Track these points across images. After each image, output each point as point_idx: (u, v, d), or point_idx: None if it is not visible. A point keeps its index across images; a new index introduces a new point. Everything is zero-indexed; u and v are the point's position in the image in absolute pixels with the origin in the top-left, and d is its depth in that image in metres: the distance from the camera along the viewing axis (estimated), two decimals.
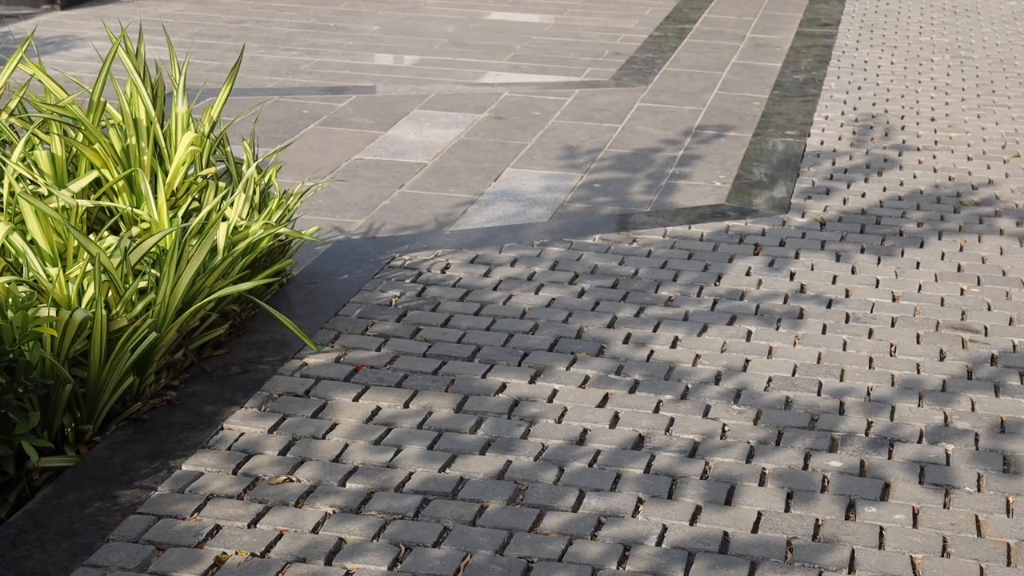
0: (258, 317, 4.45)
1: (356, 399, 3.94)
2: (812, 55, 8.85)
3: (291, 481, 3.48)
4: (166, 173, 4.60)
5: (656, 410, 3.93)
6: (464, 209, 5.72)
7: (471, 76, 8.18)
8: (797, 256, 5.21)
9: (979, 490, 3.54)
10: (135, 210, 4.38)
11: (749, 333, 4.48)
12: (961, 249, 5.34)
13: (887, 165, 6.45)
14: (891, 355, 4.35)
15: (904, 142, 6.85)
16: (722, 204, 5.84)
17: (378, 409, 3.88)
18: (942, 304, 4.78)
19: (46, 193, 4.35)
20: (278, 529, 3.26)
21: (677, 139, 6.85)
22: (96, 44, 8.62)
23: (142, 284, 3.97)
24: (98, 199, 4.46)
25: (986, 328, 4.58)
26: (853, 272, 5.06)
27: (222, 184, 4.65)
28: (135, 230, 4.33)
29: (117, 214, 4.48)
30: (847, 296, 4.83)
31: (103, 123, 4.67)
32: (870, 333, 4.51)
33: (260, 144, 6.44)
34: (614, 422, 3.85)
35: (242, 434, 3.71)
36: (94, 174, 4.43)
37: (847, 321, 4.60)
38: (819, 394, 4.06)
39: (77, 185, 4.35)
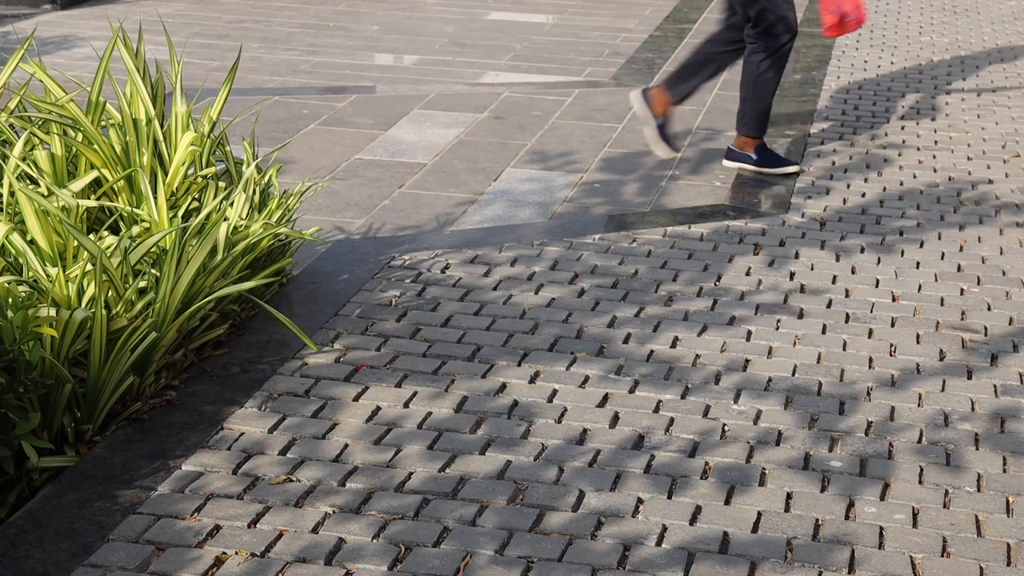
0: (258, 317, 4.45)
1: (356, 399, 3.94)
2: (812, 55, 8.84)
3: (291, 481, 3.48)
4: (166, 173, 4.60)
5: (656, 410, 3.93)
6: (464, 209, 5.72)
7: (471, 76, 8.18)
8: (797, 256, 5.21)
9: (979, 490, 3.54)
10: (135, 210, 4.38)
11: (749, 333, 4.48)
12: (961, 249, 5.34)
13: (887, 164, 6.45)
14: (891, 355, 4.35)
15: (904, 141, 6.85)
16: (722, 204, 5.84)
17: (378, 409, 3.88)
18: (942, 304, 4.78)
19: (46, 193, 4.35)
20: (278, 529, 3.26)
21: (677, 139, 6.84)
22: (96, 44, 8.62)
23: (142, 284, 3.97)
24: (98, 199, 4.46)
25: (986, 328, 4.58)
26: (853, 272, 5.06)
27: (222, 184, 4.65)
28: (135, 230, 4.33)
29: (117, 214, 4.48)
30: (847, 296, 4.83)
31: (103, 123, 4.67)
32: (870, 333, 4.51)
33: (260, 144, 6.44)
34: (614, 422, 3.85)
35: (242, 434, 3.71)
36: (94, 174, 4.43)
37: (847, 321, 4.60)
38: (819, 394, 4.06)
39: (77, 185, 4.35)
